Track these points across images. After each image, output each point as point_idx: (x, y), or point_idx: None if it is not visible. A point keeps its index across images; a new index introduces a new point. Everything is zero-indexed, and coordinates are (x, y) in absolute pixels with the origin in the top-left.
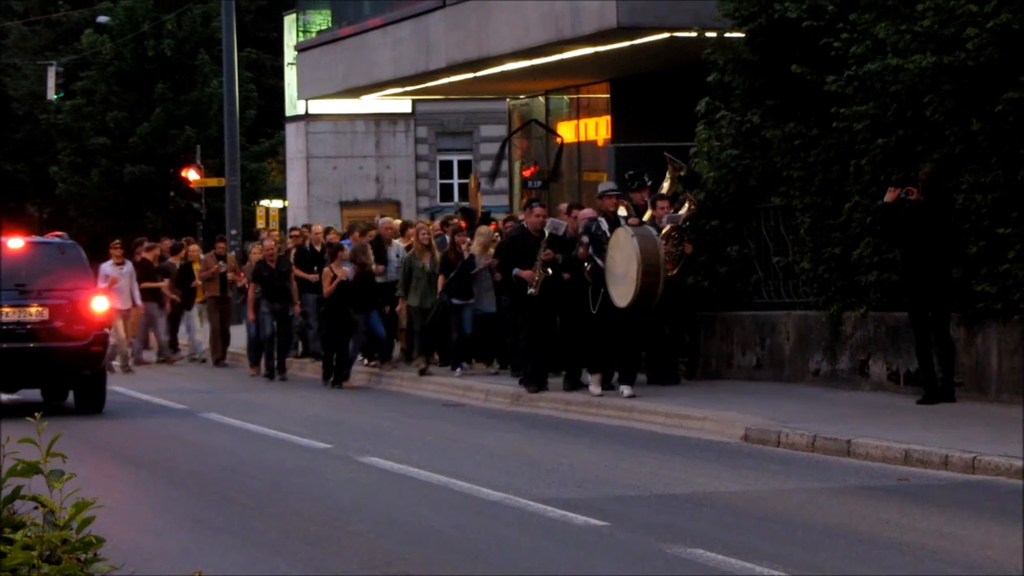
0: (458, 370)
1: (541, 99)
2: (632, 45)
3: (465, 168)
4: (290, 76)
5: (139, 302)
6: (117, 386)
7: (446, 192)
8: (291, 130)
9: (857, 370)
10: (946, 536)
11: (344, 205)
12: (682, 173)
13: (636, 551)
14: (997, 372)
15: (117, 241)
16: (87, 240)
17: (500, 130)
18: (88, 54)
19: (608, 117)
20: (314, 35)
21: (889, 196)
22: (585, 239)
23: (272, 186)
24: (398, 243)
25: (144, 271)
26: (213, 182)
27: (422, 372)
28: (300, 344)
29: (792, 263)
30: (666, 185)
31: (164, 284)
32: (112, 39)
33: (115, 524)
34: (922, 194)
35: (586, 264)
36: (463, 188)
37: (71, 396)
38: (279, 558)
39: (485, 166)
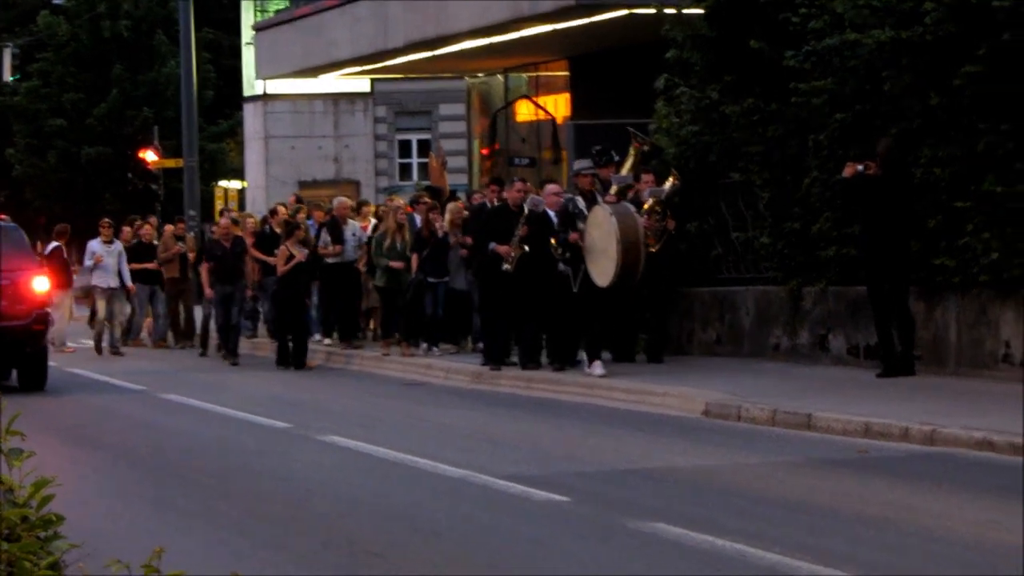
0: (435, 349)
1: (500, 77)
2: (591, 22)
3: (424, 147)
4: (248, 56)
5: (129, 283)
6: (77, 368)
7: (405, 171)
8: (249, 110)
9: (817, 344)
10: (906, 507)
11: (303, 185)
12: (646, 148)
13: (598, 526)
14: (956, 345)
15: (107, 220)
16: (44, 222)
17: (459, 109)
18: (44, 35)
19: (567, 95)
20: (271, 15)
21: (847, 171)
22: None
23: (230, 167)
24: (354, 223)
25: (141, 252)
26: (171, 163)
27: (386, 355)
28: (252, 325)
29: (752, 238)
30: (628, 162)
31: (155, 264)
32: (68, 20)
33: (74, 504)
34: (880, 168)
35: (556, 246)
36: (422, 167)
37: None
38: (241, 538)
39: (445, 145)
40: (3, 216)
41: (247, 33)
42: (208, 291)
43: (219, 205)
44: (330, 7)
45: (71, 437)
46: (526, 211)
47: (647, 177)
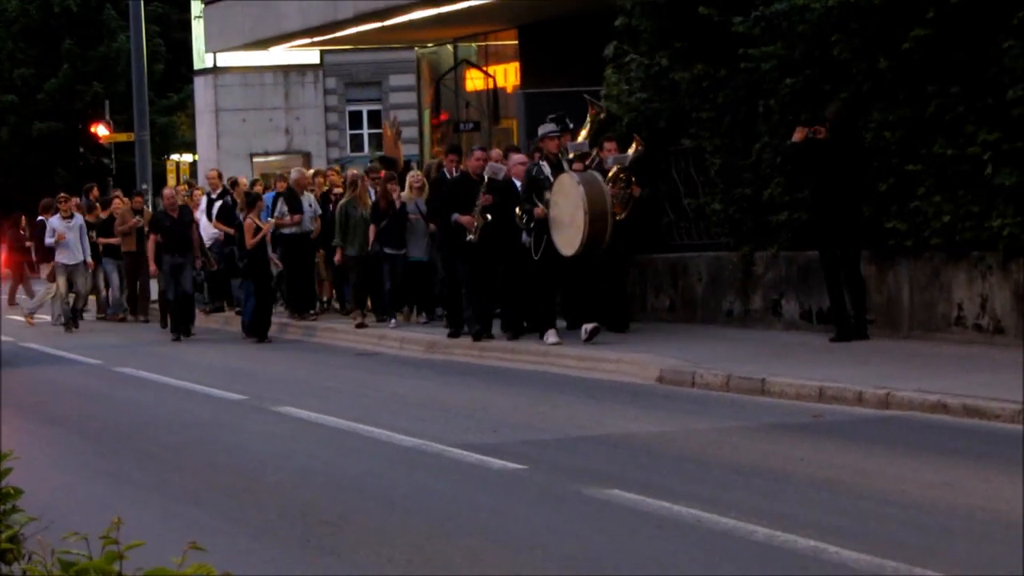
0: (392, 322)
1: (449, 47)
2: None
3: (375, 118)
4: (198, 29)
5: (89, 258)
6: (32, 342)
7: (356, 142)
8: (200, 84)
9: (770, 310)
10: (861, 471)
11: (254, 157)
12: (602, 116)
13: (554, 493)
14: (909, 308)
15: (63, 194)
16: None
17: (409, 79)
18: None
19: (516, 64)
20: None
21: (797, 136)
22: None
23: (182, 140)
24: (309, 194)
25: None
26: (123, 137)
27: (359, 326)
28: (206, 299)
29: (703, 205)
30: (584, 130)
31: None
32: None
33: (30, 478)
34: (829, 133)
35: (519, 212)
36: (373, 138)
37: None
38: (197, 509)
39: (400, 116)
40: None
41: (196, 6)
42: (152, 266)
43: (171, 179)
44: None
45: (25, 410)
46: (486, 179)
47: (609, 145)
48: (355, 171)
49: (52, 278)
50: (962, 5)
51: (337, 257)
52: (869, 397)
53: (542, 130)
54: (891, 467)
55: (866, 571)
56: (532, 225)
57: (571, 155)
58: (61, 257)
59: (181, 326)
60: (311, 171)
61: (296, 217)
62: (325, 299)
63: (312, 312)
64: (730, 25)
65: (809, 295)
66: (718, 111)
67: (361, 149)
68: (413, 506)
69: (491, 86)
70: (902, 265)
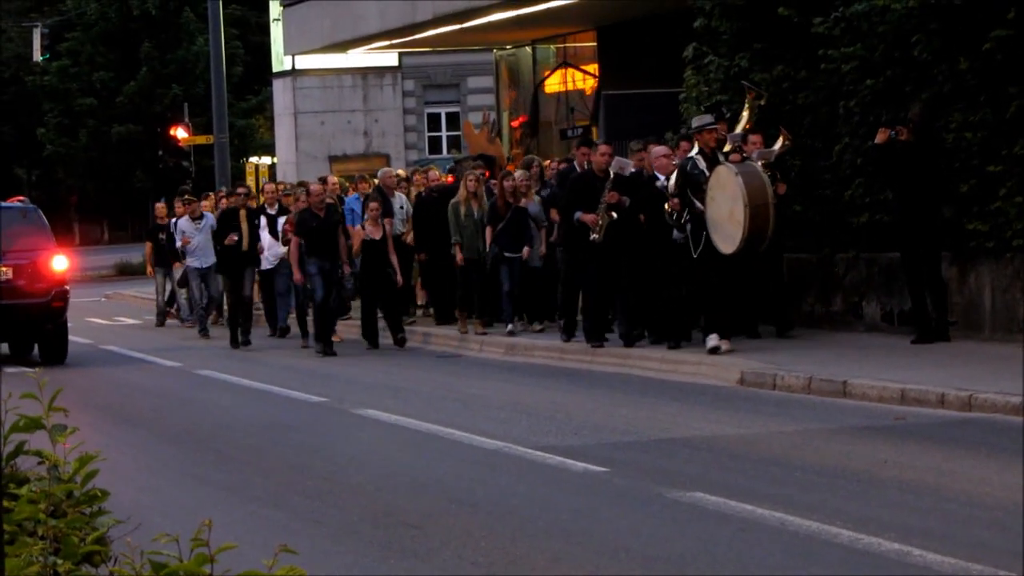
0: (512, 326)
1: (528, 49)
2: None
3: (453, 120)
4: (276, 32)
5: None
6: (112, 344)
7: (434, 145)
8: (278, 86)
9: (851, 311)
10: (945, 473)
11: (333, 159)
12: (762, 103)
13: (636, 496)
14: (990, 310)
15: (189, 195)
16: (76, 201)
17: (487, 81)
18: (73, 15)
19: (595, 65)
20: None
21: (879, 137)
22: (673, 190)
23: (261, 142)
24: (401, 195)
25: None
26: (201, 140)
27: (474, 332)
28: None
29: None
30: (744, 116)
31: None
32: None
33: (114, 480)
34: (912, 134)
35: (668, 208)
36: (451, 140)
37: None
38: (279, 511)
39: (474, 118)
40: (22, 198)
41: (275, 9)
42: (298, 274)
43: (251, 181)
44: None
45: (107, 413)
46: (611, 175)
47: (754, 138)
48: (434, 171)
49: (182, 283)
50: None
51: (459, 257)
52: (951, 399)
53: (697, 122)
54: (975, 469)
55: (951, 574)
56: (685, 222)
57: (728, 146)
58: (191, 261)
59: (325, 337)
60: (402, 173)
61: (387, 221)
62: (420, 304)
63: (407, 318)
64: (810, 26)
65: (890, 297)
66: (798, 112)
67: (439, 151)
68: (495, 508)
69: (578, 86)
70: (983, 267)
